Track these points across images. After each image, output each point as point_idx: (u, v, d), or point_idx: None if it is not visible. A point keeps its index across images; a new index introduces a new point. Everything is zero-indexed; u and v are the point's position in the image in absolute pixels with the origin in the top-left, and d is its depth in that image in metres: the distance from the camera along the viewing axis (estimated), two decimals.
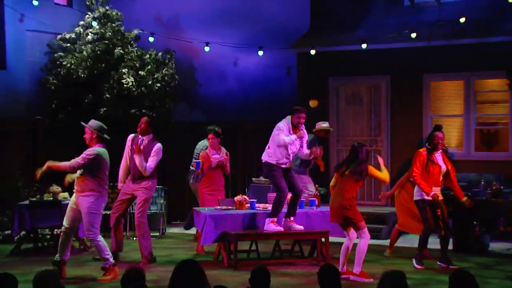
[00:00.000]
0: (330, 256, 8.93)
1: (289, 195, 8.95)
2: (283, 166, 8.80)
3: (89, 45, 12.52)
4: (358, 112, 13.28)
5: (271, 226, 8.83)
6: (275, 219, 8.85)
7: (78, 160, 7.88)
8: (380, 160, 8.53)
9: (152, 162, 9.03)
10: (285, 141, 8.60)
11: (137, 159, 8.97)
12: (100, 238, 7.98)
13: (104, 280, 7.91)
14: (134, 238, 10.57)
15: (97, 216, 7.95)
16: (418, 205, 8.85)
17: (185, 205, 12.51)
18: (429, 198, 8.64)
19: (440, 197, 8.84)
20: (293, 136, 8.65)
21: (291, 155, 8.79)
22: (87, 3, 12.95)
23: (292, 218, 8.92)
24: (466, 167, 11.71)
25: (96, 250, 8.10)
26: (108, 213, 10.75)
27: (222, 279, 7.86)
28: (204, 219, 8.88)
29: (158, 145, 9.17)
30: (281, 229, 8.87)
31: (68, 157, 8.13)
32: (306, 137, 8.95)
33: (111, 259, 8.03)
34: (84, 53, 12.40)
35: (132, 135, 9.33)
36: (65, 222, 8.07)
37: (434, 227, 8.78)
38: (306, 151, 8.87)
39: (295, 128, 8.74)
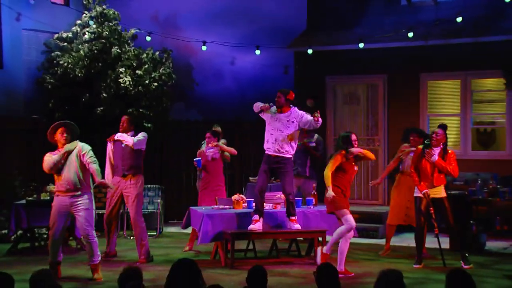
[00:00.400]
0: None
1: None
2: (270, 152, 8.77)
3: (86, 44, 12.50)
4: (355, 111, 13.28)
5: (251, 225, 8.84)
6: (256, 217, 8.80)
7: (94, 164, 7.82)
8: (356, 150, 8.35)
9: (139, 139, 8.99)
10: (256, 103, 8.82)
11: (122, 138, 8.97)
12: (95, 233, 7.98)
13: (100, 278, 7.92)
14: (132, 237, 10.56)
15: (93, 212, 7.99)
16: (415, 201, 8.87)
17: (181, 204, 12.49)
18: (420, 195, 8.67)
19: (443, 194, 8.83)
20: (261, 104, 8.75)
21: (278, 137, 8.70)
22: (84, 2, 12.94)
23: (292, 217, 8.90)
24: (463, 167, 11.69)
25: (89, 248, 8.01)
26: (101, 212, 10.74)
27: (219, 278, 7.86)
28: (201, 218, 8.88)
29: (143, 132, 9.26)
30: (254, 227, 8.73)
31: None
32: (297, 114, 8.81)
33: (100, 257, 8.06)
34: (81, 52, 12.38)
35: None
36: (51, 227, 8.00)
37: (423, 224, 8.79)
38: (309, 118, 8.81)
39: (278, 108, 8.80)
